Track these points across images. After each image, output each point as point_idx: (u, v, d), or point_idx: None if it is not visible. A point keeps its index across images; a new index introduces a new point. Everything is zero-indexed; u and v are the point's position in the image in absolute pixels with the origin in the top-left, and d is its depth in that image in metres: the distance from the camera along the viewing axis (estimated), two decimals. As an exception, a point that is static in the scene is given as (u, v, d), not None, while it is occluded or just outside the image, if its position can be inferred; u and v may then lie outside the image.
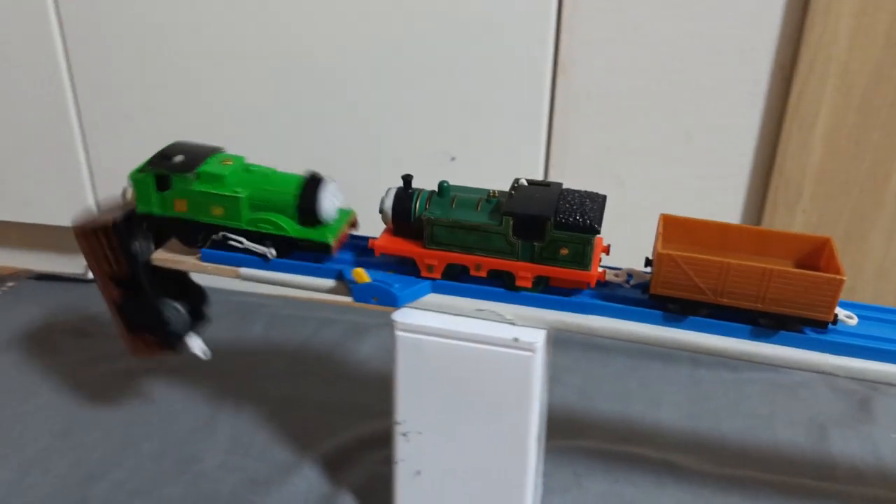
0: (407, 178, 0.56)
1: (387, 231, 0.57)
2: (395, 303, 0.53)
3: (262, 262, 0.58)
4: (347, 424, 0.77)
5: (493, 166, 0.85)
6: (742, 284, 0.50)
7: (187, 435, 0.75)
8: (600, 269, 0.55)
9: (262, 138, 0.90)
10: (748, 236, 0.54)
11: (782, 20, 0.75)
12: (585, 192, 0.54)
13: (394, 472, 0.60)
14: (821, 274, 0.49)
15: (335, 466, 0.72)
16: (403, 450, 0.59)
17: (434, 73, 0.83)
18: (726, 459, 0.72)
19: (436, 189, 0.56)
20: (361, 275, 0.53)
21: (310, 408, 0.80)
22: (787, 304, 0.50)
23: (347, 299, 1.01)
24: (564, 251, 0.52)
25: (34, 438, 0.75)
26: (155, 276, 0.62)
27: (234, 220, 0.57)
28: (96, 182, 0.96)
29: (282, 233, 0.57)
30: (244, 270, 0.58)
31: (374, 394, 0.82)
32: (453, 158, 0.85)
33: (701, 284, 0.50)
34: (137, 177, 0.58)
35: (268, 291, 1.02)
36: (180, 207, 0.58)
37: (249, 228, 0.57)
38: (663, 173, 0.83)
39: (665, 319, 0.53)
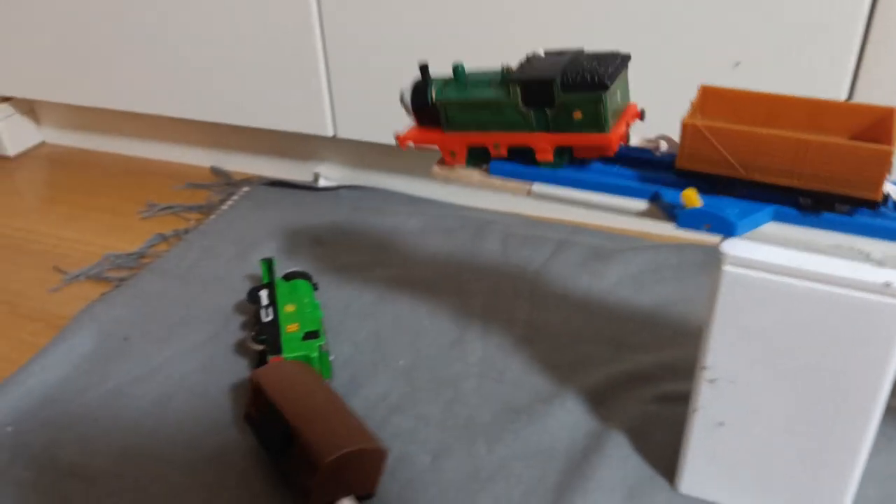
0: (423, 66, 0.54)
1: (414, 124, 0.56)
2: (731, 232, 0.45)
3: (556, 177, 0.51)
4: (606, 357, 0.71)
5: (785, 75, 0.73)
6: (776, 158, 0.45)
7: (437, 354, 0.73)
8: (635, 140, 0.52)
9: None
10: (800, 108, 0.48)
11: None
12: (606, 52, 0.50)
13: (690, 421, 0.54)
14: (862, 144, 0.42)
15: (599, 401, 0.66)
16: (707, 397, 0.52)
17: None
18: None
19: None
20: (692, 198, 0.45)
21: (562, 335, 0.75)
22: (829, 181, 0.44)
23: (585, 218, 0.95)
24: (578, 115, 0.49)
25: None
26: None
27: None
28: (333, 89, 0.93)
29: None
30: (537, 187, 0.52)
31: (629, 326, 0.76)
32: (737, 64, 0.73)
33: (730, 158, 0.46)
34: None
35: (500, 208, 0.97)
36: None
37: None
38: None
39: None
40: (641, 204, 0.49)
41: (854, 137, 0.47)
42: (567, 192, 0.52)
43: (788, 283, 0.45)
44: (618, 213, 0.50)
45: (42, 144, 1.25)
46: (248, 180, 1.08)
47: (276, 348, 0.66)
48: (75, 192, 1.09)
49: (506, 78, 0.51)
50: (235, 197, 1.03)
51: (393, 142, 0.94)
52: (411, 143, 0.55)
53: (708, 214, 0.45)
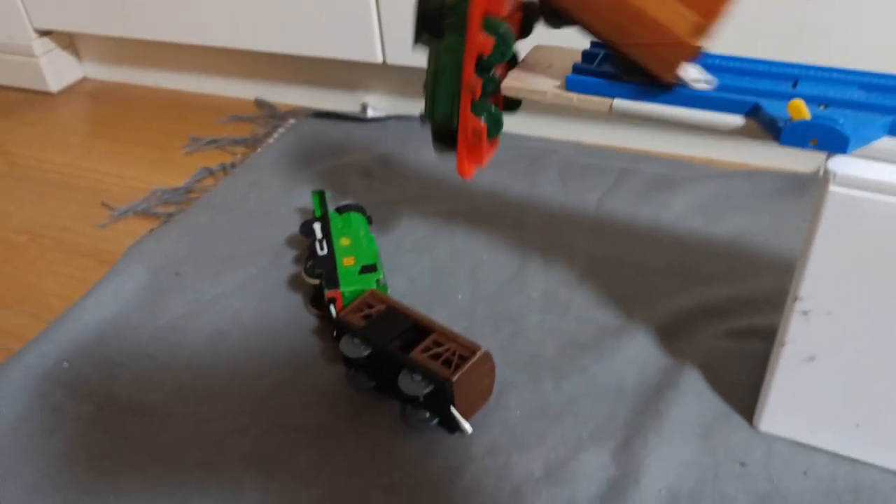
0: (421, 115, 0.56)
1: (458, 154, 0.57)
2: (843, 148, 0.41)
3: (641, 92, 0.47)
4: (674, 290, 0.68)
5: (862, 7, 0.66)
6: (606, 14, 0.45)
7: (497, 289, 0.70)
8: None
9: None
10: None
11: None
12: None
13: (776, 355, 0.50)
14: (677, 35, 0.43)
15: (668, 336, 0.63)
16: (799, 330, 0.48)
17: None
18: None
19: None
20: (800, 109, 0.40)
21: (626, 268, 0.71)
22: (638, 52, 0.45)
23: (647, 146, 0.90)
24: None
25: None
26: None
27: None
28: (382, 12, 0.89)
29: None
30: (619, 103, 0.48)
31: (699, 257, 0.72)
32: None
33: None
34: None
35: (558, 136, 0.93)
36: None
37: None
38: None
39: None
40: (737, 119, 0.45)
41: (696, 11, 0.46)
42: (651, 107, 0.47)
43: (904, 205, 0.41)
44: (708, 131, 0.46)
45: (84, 80, 1.22)
46: (294, 112, 1.05)
47: (332, 282, 0.64)
48: (118, 127, 1.07)
49: (417, 43, 0.53)
50: (281, 129, 1.00)
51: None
52: (473, 168, 0.56)
53: (817, 127, 0.40)
